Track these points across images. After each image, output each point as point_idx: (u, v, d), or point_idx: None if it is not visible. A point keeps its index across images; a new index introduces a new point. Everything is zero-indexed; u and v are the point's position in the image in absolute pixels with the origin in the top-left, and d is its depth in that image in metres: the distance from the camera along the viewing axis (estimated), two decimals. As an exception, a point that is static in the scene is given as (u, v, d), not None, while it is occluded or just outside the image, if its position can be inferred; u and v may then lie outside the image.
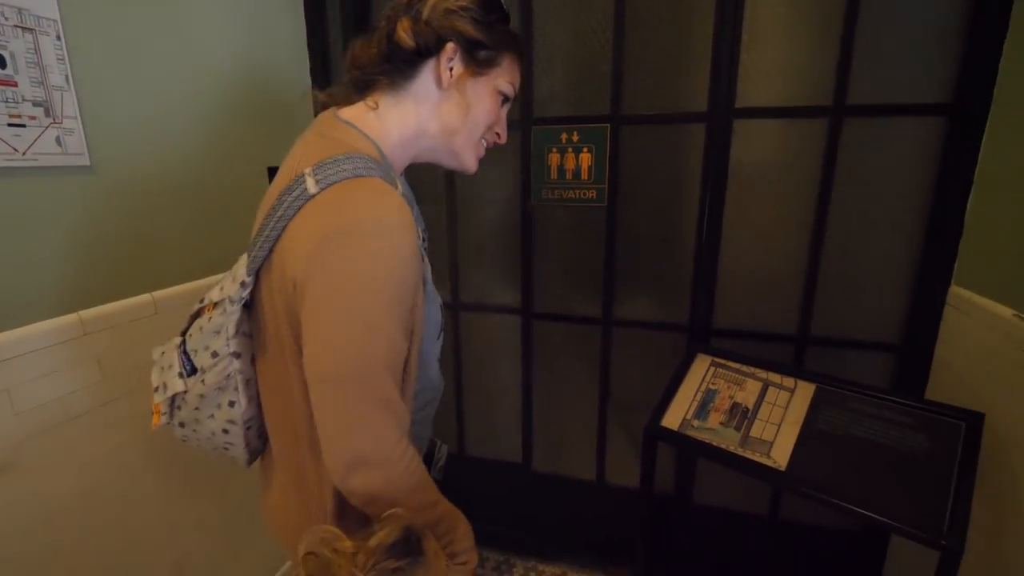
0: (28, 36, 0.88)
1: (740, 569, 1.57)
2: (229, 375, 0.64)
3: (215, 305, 0.65)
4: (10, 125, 0.86)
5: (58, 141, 0.93)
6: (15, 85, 0.87)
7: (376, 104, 0.67)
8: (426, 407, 0.78)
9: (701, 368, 1.31)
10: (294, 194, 0.57)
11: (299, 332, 0.59)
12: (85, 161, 0.97)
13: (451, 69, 0.65)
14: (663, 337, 1.48)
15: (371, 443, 0.57)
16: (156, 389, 0.70)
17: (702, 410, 1.20)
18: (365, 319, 0.55)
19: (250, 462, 0.75)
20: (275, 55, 1.42)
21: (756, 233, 1.34)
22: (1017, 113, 1.00)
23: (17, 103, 0.87)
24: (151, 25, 1.08)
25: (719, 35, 1.23)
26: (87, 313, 0.99)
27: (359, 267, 0.55)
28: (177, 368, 0.67)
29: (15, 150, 0.87)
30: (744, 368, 1.25)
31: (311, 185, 0.57)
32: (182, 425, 0.71)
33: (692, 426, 1.17)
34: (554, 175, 1.45)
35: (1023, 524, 0.92)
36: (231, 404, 0.66)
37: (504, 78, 0.70)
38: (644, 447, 1.24)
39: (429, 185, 1.58)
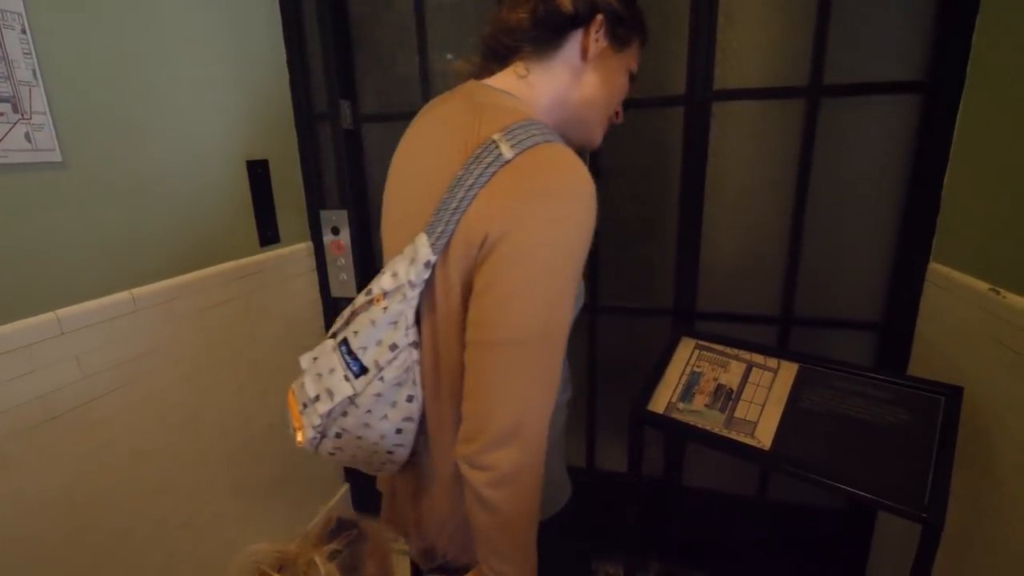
0: (-9, 30, 0.86)
1: (730, 550, 1.58)
2: (408, 368, 0.61)
3: (385, 294, 0.60)
4: (-24, 121, 0.85)
5: (27, 137, 0.92)
6: (-20, 81, 0.85)
7: (527, 72, 0.65)
8: (564, 408, 0.75)
9: (686, 351, 1.31)
10: (486, 161, 0.55)
11: (453, 301, 0.58)
12: (56, 157, 0.96)
13: (597, 41, 0.65)
14: (648, 322, 1.48)
15: (529, 417, 0.55)
16: (313, 400, 0.64)
17: (687, 393, 1.20)
18: (554, 284, 0.54)
19: (405, 463, 0.71)
20: (251, 47, 1.40)
21: (737, 215, 1.34)
22: (990, 89, 1.01)
23: (-17, 99, 0.86)
24: (121, 17, 1.07)
25: (696, 16, 1.23)
26: (64, 311, 0.99)
27: (557, 230, 0.53)
28: (341, 371, 0.62)
29: (-18, 147, 0.86)
30: (728, 350, 1.26)
31: (506, 150, 0.54)
32: (340, 435, 0.64)
33: (677, 409, 1.18)
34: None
35: (1003, 496, 0.94)
36: (409, 399, 0.62)
37: (633, 58, 0.70)
38: (630, 432, 1.24)
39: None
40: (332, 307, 1.71)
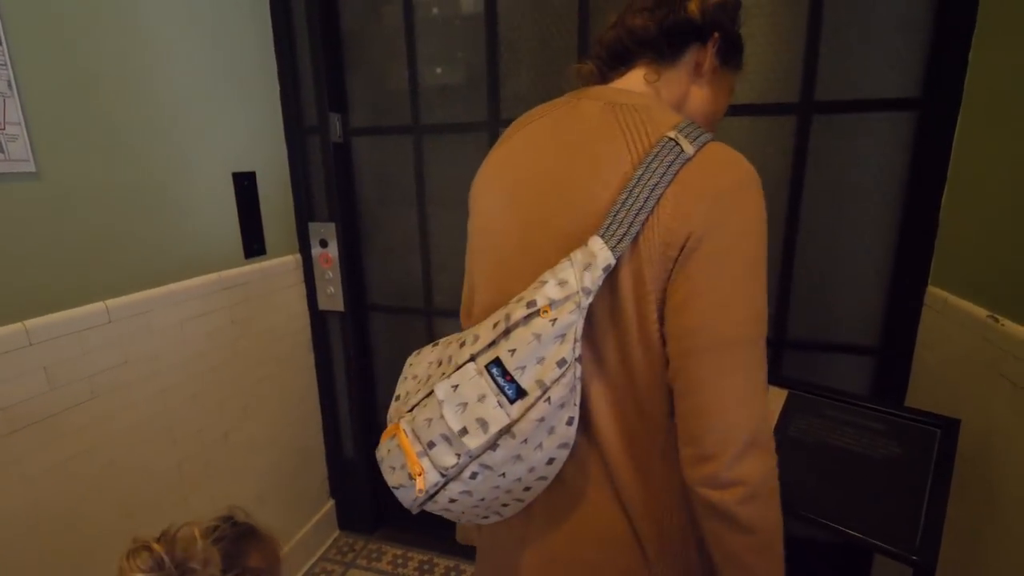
0: (-34, 41, 0.87)
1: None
2: (572, 386, 0.55)
3: (552, 305, 0.55)
4: (-54, 131, 0.85)
5: (1, 147, 0.92)
6: (-49, 91, 0.85)
7: (657, 77, 0.65)
8: None
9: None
10: (668, 159, 0.54)
11: (645, 309, 0.55)
12: (31, 168, 0.96)
13: (712, 57, 0.66)
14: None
15: (763, 419, 0.53)
16: (459, 434, 0.55)
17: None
18: (762, 273, 0.54)
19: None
20: (240, 60, 1.41)
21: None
22: (988, 106, 0.97)
23: (-46, 109, 0.86)
24: (103, 28, 1.07)
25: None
26: (33, 322, 0.98)
27: (756, 220, 0.54)
28: (493, 398, 0.55)
29: (-48, 157, 0.86)
30: (716, 374, 1.21)
31: (687, 147, 0.54)
32: (475, 475, 0.56)
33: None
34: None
35: (1001, 529, 0.88)
36: (568, 422, 0.56)
37: (733, 80, 0.72)
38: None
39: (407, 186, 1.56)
40: (319, 320, 1.70)
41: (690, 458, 0.54)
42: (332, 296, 1.65)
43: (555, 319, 0.54)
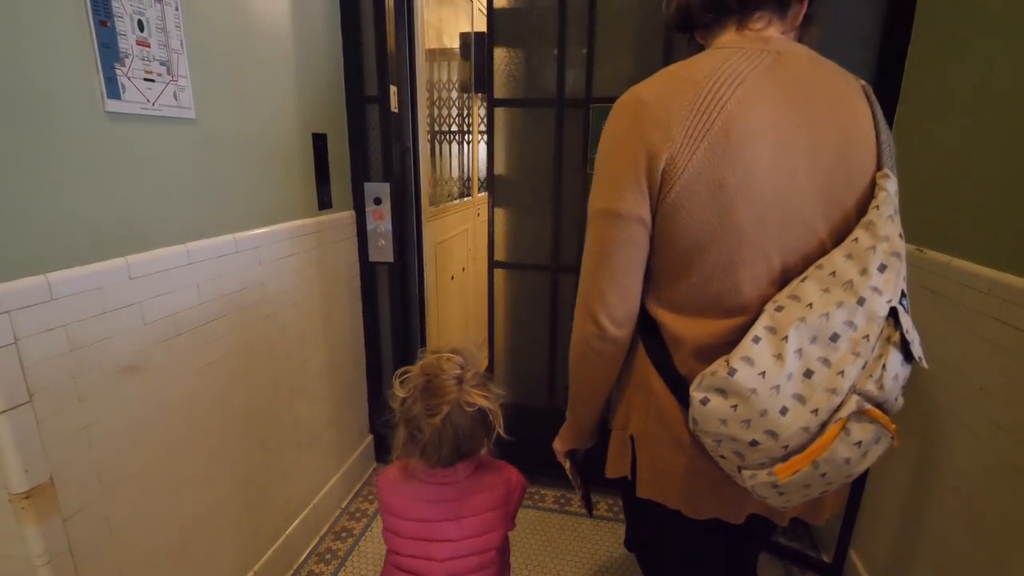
0: (158, 5, 1.05)
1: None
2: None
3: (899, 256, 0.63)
4: (145, 79, 1.04)
5: (175, 96, 1.11)
6: (148, 46, 1.04)
7: (781, 29, 0.71)
8: None
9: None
10: (876, 102, 0.68)
11: None
12: (192, 115, 1.15)
13: (804, 12, 0.72)
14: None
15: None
16: (856, 396, 0.59)
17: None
18: None
19: None
20: (313, 34, 1.61)
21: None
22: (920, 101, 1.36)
23: (149, 61, 1.04)
24: (237, 6, 1.27)
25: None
26: (193, 245, 1.17)
27: None
28: (896, 354, 0.60)
29: (148, 100, 1.05)
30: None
31: (870, 90, 0.70)
32: (860, 443, 0.59)
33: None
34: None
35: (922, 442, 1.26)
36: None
37: (800, 35, 0.77)
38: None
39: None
40: (369, 270, 1.91)
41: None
42: (382, 248, 1.88)
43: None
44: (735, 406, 0.60)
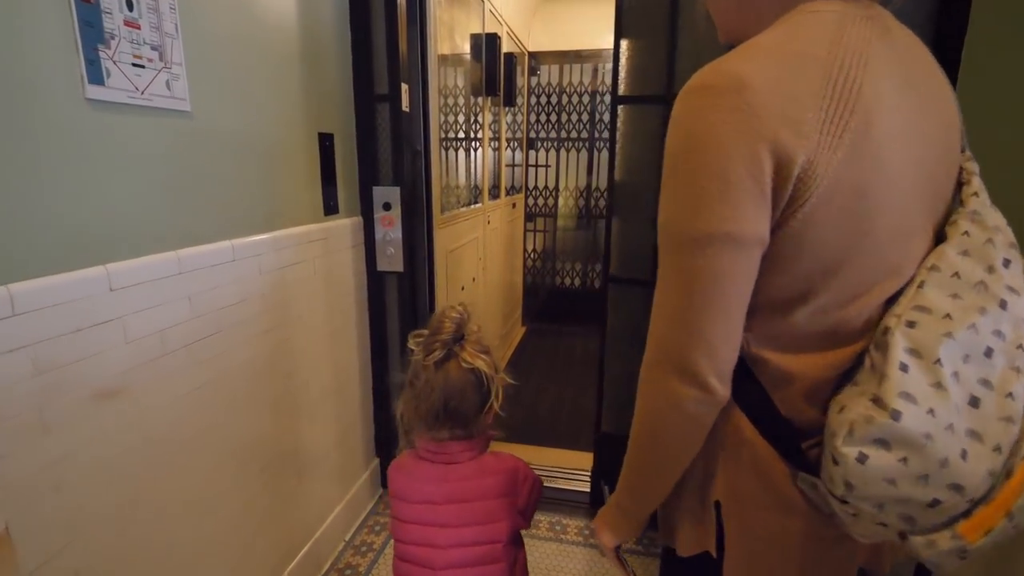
0: (149, -17, 0.94)
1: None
2: None
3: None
4: (134, 65, 0.92)
5: (167, 85, 0.99)
6: (138, 28, 0.92)
7: None
8: None
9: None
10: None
11: None
12: (187, 107, 1.03)
13: None
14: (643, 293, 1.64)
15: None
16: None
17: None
18: None
19: None
20: (321, 26, 1.50)
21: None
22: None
23: (139, 45, 0.92)
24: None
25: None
26: (184, 252, 1.04)
27: None
28: None
29: (136, 88, 0.93)
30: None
31: None
32: None
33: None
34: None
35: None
36: None
37: None
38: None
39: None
40: (376, 280, 1.78)
41: None
42: (391, 257, 1.75)
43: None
44: (905, 459, 0.47)
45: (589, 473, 1.89)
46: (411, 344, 0.93)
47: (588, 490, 1.87)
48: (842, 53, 0.50)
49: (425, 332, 0.92)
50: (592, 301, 3.96)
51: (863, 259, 0.52)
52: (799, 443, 0.57)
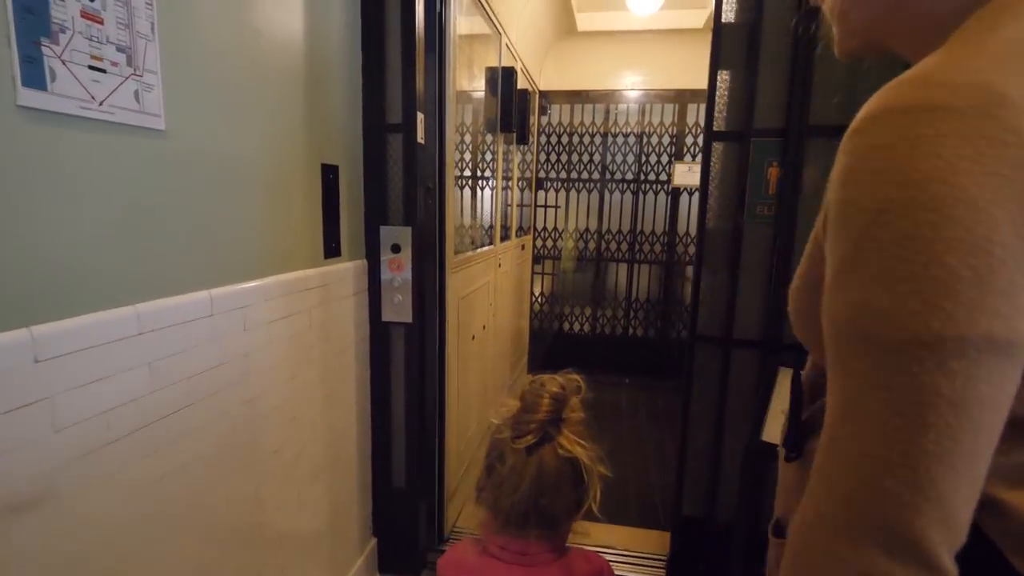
0: (119, -30, 0.74)
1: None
2: None
3: None
4: (91, 68, 0.71)
5: (136, 96, 0.78)
6: (101, 22, 0.72)
7: None
8: None
9: (786, 381, 1.26)
10: None
11: None
12: (160, 125, 0.82)
13: None
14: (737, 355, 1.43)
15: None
16: None
17: (810, 423, 1.13)
18: None
19: None
20: (325, 47, 1.32)
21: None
22: None
23: (101, 44, 0.72)
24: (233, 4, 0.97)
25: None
26: (143, 307, 0.81)
27: None
28: None
29: (92, 98, 0.72)
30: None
31: None
32: None
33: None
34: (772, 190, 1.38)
35: None
36: None
37: None
38: (744, 465, 1.15)
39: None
40: (381, 331, 1.55)
41: None
42: (399, 305, 1.52)
43: None
44: None
45: (663, 560, 1.60)
46: (494, 419, 0.81)
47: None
48: None
49: (513, 403, 0.80)
50: (603, 348, 3.74)
51: None
52: None
